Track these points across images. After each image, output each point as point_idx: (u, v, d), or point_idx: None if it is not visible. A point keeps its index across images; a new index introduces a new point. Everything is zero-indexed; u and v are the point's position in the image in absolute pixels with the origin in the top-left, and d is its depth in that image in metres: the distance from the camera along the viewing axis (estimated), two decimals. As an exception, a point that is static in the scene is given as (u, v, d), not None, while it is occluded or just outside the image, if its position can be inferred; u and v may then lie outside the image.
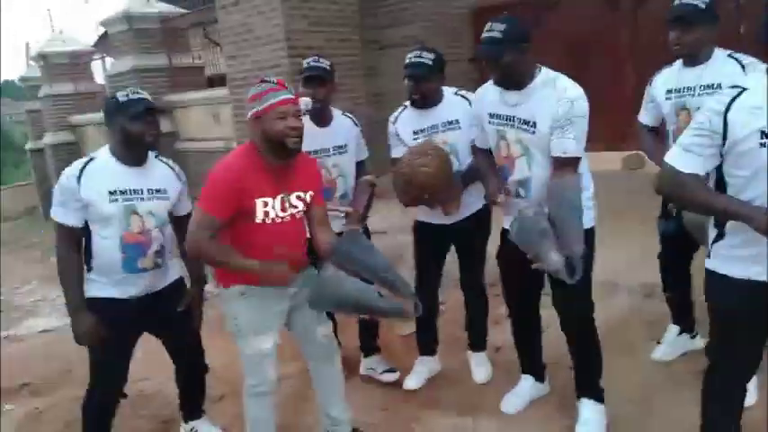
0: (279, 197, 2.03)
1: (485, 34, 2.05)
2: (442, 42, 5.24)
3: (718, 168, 1.59)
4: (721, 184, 1.60)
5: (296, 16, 5.39)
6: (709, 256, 1.72)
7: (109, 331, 2.14)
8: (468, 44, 6.16)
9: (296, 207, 2.09)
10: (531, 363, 2.55)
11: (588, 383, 2.27)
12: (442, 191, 2.39)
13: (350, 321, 3.12)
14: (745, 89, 1.52)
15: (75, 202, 2.09)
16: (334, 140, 2.68)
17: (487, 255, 2.71)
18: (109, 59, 9.69)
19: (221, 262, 2.02)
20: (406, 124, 2.63)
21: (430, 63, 2.45)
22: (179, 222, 2.36)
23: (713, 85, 2.27)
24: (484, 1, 6.53)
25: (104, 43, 9.96)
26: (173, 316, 2.31)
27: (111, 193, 2.10)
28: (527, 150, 2.14)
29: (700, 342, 2.63)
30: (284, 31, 5.34)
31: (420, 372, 2.84)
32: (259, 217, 2.00)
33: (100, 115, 2.21)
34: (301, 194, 2.10)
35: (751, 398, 2.05)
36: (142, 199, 2.15)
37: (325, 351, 2.27)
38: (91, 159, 2.15)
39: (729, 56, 2.30)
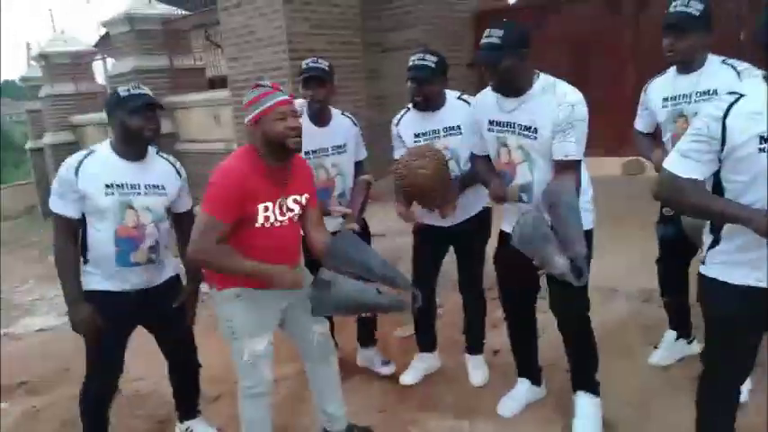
0: (278, 201, 2.04)
1: (483, 40, 2.06)
2: (444, 46, 5.26)
3: (716, 174, 1.60)
4: (718, 189, 1.61)
5: (298, 19, 5.41)
6: (703, 263, 1.72)
7: (105, 322, 2.16)
8: (470, 48, 6.18)
9: (293, 210, 2.10)
10: (528, 366, 2.55)
11: (585, 378, 2.30)
12: (438, 193, 2.40)
13: (347, 322, 3.14)
14: (742, 95, 1.53)
15: (72, 194, 2.10)
16: (333, 140, 2.70)
17: (486, 258, 2.72)
18: (110, 60, 9.71)
19: (229, 268, 2.00)
20: (408, 127, 2.64)
21: (433, 66, 2.46)
22: (178, 219, 2.37)
23: (709, 91, 2.28)
24: (485, 5, 6.56)
25: (106, 44, 9.99)
26: (168, 312, 2.32)
27: (107, 186, 2.11)
28: (528, 156, 2.14)
29: (696, 347, 2.64)
30: (286, 33, 5.36)
31: (417, 368, 2.87)
32: (259, 222, 2.01)
33: (100, 115, 2.25)
34: (298, 198, 2.11)
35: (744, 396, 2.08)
36: (139, 194, 2.15)
37: (322, 349, 2.28)
38: (91, 152, 2.17)
39: (723, 62, 2.32)
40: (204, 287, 2.31)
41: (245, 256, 1.98)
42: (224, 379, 2.85)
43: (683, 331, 2.70)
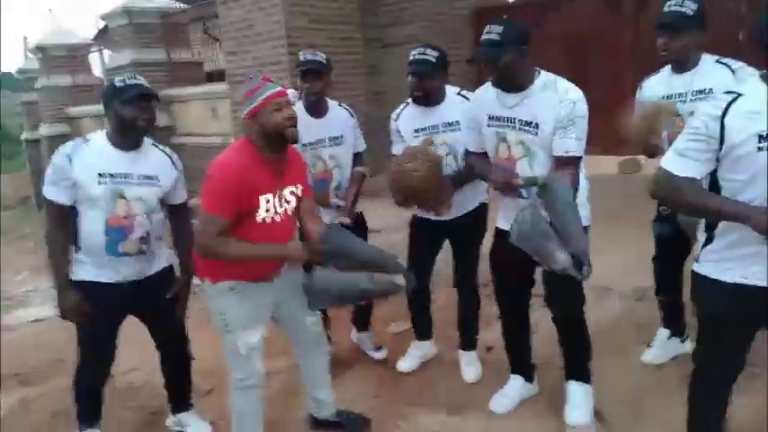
0: (277, 193, 2.05)
1: (483, 36, 2.06)
2: (443, 42, 5.19)
3: (712, 172, 1.60)
4: (715, 188, 1.61)
5: (297, 13, 5.40)
6: (697, 260, 1.72)
7: (94, 310, 2.17)
8: (469, 45, 6.17)
9: (289, 202, 2.11)
10: (521, 363, 2.55)
11: (577, 368, 2.34)
12: (431, 195, 2.41)
13: (341, 318, 3.15)
14: (741, 94, 1.53)
15: (65, 181, 2.10)
16: (330, 131, 2.71)
17: (481, 254, 2.72)
18: (107, 52, 9.68)
19: (237, 256, 2.00)
20: (407, 122, 2.64)
21: (434, 60, 2.46)
22: (174, 211, 2.36)
23: (704, 90, 2.29)
24: (485, 2, 6.56)
25: (104, 37, 9.95)
26: (160, 302, 2.31)
27: (100, 175, 2.10)
28: (529, 151, 2.14)
29: (689, 346, 2.63)
30: (285, 27, 5.34)
31: (414, 355, 2.92)
32: (261, 215, 2.01)
33: (97, 107, 2.25)
34: (293, 189, 2.12)
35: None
36: (131, 184, 2.15)
37: (314, 338, 2.33)
38: (86, 140, 2.17)
39: (718, 61, 2.33)
40: (196, 280, 2.30)
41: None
42: (216, 372, 2.84)
43: (676, 330, 2.71)
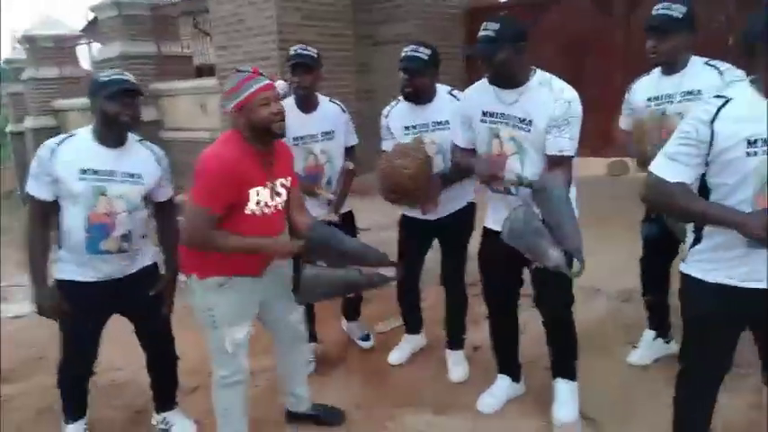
0: (268, 185, 2.04)
1: (480, 33, 2.07)
2: (434, 41, 5.18)
3: (701, 175, 1.61)
4: (704, 191, 1.62)
5: (289, 9, 5.36)
6: (684, 260, 1.74)
7: (74, 309, 2.16)
8: (460, 44, 6.18)
9: (280, 195, 2.10)
10: (509, 362, 2.55)
11: (564, 366, 2.36)
12: (420, 192, 2.41)
13: (326, 316, 3.14)
14: (730, 99, 1.54)
15: (47, 176, 2.08)
16: (322, 126, 2.71)
17: (469, 254, 2.72)
18: (96, 45, 9.56)
19: (225, 247, 1.98)
20: (397, 119, 2.64)
21: (425, 58, 2.46)
22: (159, 208, 2.34)
23: (693, 91, 2.32)
24: (476, 2, 6.57)
25: (93, 29, 9.83)
26: (145, 300, 2.29)
27: (82, 171, 2.08)
28: (520, 148, 2.14)
29: (675, 346, 2.66)
30: (276, 23, 5.30)
31: (404, 348, 2.98)
32: (250, 207, 2.00)
33: (84, 100, 2.23)
34: (284, 181, 2.12)
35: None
36: (114, 181, 2.12)
37: (296, 336, 2.37)
38: (71, 136, 2.15)
39: (706, 63, 2.36)
40: (182, 277, 2.28)
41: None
42: (201, 371, 2.81)
43: (662, 330, 2.73)
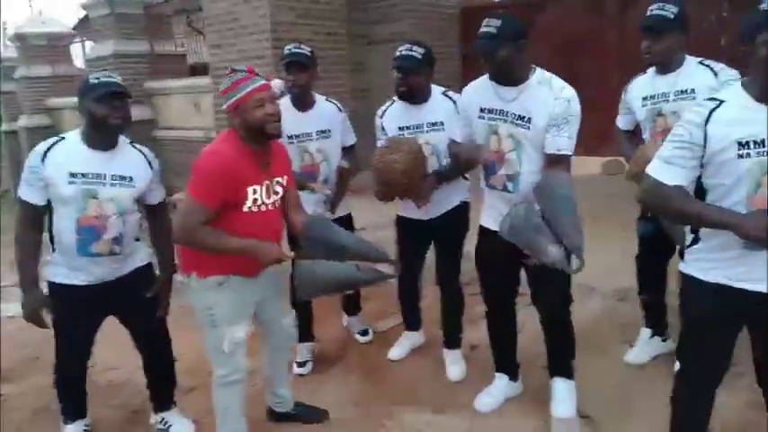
0: (265, 184, 2.04)
1: (481, 29, 2.07)
2: (429, 40, 5.20)
3: (698, 177, 1.62)
4: (701, 192, 1.63)
5: (283, 7, 5.35)
6: (683, 260, 1.75)
7: (65, 311, 2.17)
8: (455, 43, 6.19)
9: (277, 193, 2.11)
10: (506, 361, 2.56)
11: (562, 365, 2.37)
12: (412, 187, 2.41)
13: (324, 315, 3.14)
14: (722, 101, 1.55)
15: (38, 181, 2.07)
16: (318, 125, 2.71)
17: (465, 253, 2.72)
18: (89, 43, 9.50)
19: (214, 247, 1.97)
20: (392, 119, 2.64)
21: (419, 57, 2.46)
22: (151, 211, 2.33)
23: (687, 90, 2.36)
24: (471, 1, 6.57)
25: (85, 26, 9.77)
26: (139, 301, 2.28)
27: (72, 174, 2.07)
28: (519, 145, 2.15)
29: (671, 345, 2.68)
30: (270, 22, 5.29)
31: (404, 344, 3.01)
32: (248, 205, 2.00)
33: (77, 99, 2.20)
34: (280, 180, 2.12)
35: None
36: (104, 184, 2.11)
37: (287, 339, 2.41)
38: (61, 139, 2.14)
39: (700, 63, 2.39)
40: (179, 277, 2.27)
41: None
42: (198, 370, 2.81)
43: (658, 329, 2.75)
